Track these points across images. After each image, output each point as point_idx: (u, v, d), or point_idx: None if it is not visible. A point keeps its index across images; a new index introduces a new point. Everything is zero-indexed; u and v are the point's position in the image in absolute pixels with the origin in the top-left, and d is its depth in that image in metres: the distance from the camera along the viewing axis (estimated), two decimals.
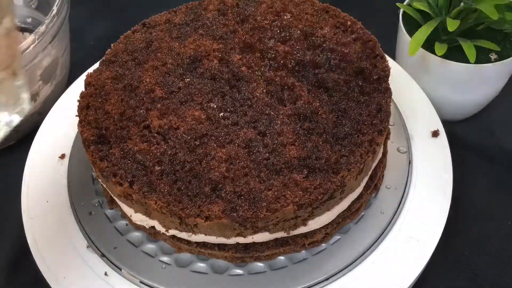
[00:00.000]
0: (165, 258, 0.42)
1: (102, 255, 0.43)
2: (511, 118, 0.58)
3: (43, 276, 0.42)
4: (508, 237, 0.49)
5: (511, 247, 0.48)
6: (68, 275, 0.42)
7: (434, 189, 0.45)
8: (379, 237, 0.42)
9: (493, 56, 0.50)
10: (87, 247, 0.44)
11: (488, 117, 0.58)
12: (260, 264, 0.41)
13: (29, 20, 0.69)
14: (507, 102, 0.59)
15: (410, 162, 0.47)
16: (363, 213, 0.44)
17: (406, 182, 0.46)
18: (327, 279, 0.40)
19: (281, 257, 0.42)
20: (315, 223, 0.39)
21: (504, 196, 0.52)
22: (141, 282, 0.41)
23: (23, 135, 0.60)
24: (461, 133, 0.57)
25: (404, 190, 0.45)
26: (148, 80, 0.44)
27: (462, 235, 0.49)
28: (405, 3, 0.55)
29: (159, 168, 0.38)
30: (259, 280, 0.40)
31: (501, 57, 0.50)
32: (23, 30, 0.68)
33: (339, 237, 0.42)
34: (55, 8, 0.56)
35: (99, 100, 0.43)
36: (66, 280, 0.42)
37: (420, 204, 0.44)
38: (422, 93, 0.52)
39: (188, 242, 0.40)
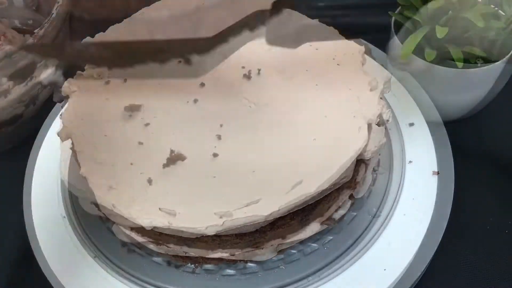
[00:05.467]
0: (166, 259, 0.43)
1: (103, 256, 0.43)
2: (508, 120, 0.59)
3: (44, 277, 0.43)
4: (509, 237, 0.49)
5: (511, 247, 0.48)
6: (69, 275, 0.42)
7: (433, 189, 0.45)
8: (372, 238, 0.43)
9: (479, 62, 0.52)
10: (88, 247, 0.44)
11: (489, 116, 0.59)
12: (252, 265, 0.42)
13: (30, 22, 0.69)
14: (506, 103, 0.59)
15: (408, 162, 0.47)
16: (355, 213, 0.44)
17: (404, 182, 0.46)
18: (320, 279, 0.41)
19: (274, 258, 0.42)
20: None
21: (504, 196, 0.52)
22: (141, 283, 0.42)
23: (24, 137, 0.60)
24: (461, 133, 0.57)
25: (401, 190, 0.45)
26: None
27: (462, 235, 0.49)
28: (396, 11, 0.56)
29: None
30: (251, 281, 0.41)
31: (488, 62, 0.51)
32: (23, 31, 0.68)
33: (331, 237, 0.43)
34: (54, 10, 0.56)
35: None
36: (67, 281, 0.42)
37: (419, 204, 0.44)
38: (421, 93, 0.53)
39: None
